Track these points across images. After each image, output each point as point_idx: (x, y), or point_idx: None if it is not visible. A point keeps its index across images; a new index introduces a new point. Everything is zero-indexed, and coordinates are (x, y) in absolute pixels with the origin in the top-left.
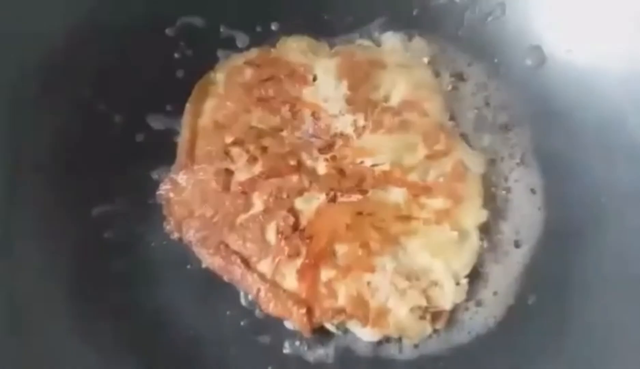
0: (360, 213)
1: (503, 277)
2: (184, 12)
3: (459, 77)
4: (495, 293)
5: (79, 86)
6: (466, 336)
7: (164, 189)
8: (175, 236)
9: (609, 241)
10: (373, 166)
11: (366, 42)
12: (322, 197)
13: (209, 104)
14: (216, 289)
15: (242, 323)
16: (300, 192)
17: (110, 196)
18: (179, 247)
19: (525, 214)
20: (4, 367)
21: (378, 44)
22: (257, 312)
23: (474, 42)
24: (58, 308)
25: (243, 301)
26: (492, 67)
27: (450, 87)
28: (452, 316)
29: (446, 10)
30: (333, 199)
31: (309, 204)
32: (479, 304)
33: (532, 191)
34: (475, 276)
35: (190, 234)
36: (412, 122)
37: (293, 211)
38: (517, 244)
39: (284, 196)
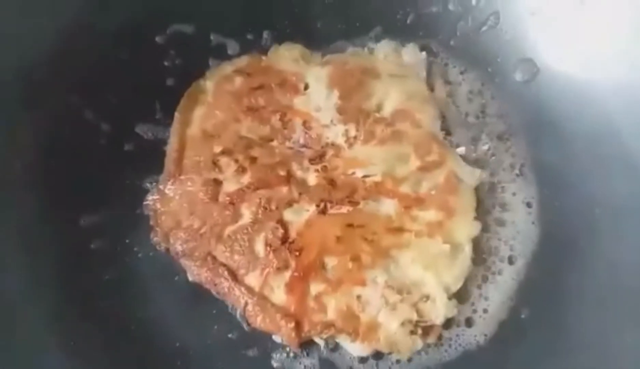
0: (351, 225)
1: (497, 294)
2: (175, 19)
3: (453, 85)
4: (485, 311)
5: (67, 94)
6: (454, 353)
7: (151, 199)
8: (162, 247)
9: (603, 253)
10: (364, 177)
11: (359, 50)
12: (312, 208)
13: (198, 113)
14: (204, 301)
15: (229, 336)
16: (290, 203)
17: (98, 206)
18: (167, 258)
19: (520, 229)
20: None
21: (371, 52)
22: (245, 325)
23: (468, 51)
24: (44, 317)
25: (231, 314)
26: (486, 76)
27: (444, 96)
28: (442, 333)
29: (440, 19)
30: (323, 211)
31: (299, 216)
32: (469, 323)
33: (528, 204)
34: (467, 293)
35: (177, 246)
36: (405, 133)
37: (282, 223)
38: (511, 261)
39: (273, 207)
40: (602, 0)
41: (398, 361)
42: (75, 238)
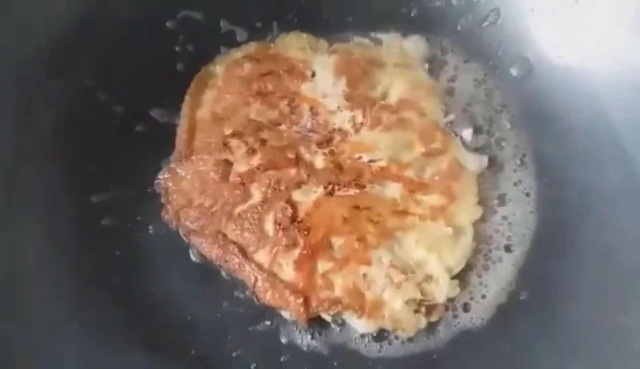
0: (357, 207)
1: (496, 281)
2: (185, 5)
3: (456, 77)
4: (484, 296)
5: (80, 76)
6: (453, 334)
7: (162, 178)
8: (173, 224)
9: (598, 238)
10: (370, 161)
11: (364, 41)
12: (320, 190)
13: (208, 96)
14: (213, 277)
15: (239, 310)
16: (298, 184)
17: (109, 184)
18: (177, 235)
19: (519, 219)
20: (4, 350)
21: (376, 42)
22: (254, 300)
23: (470, 45)
24: (58, 293)
25: (240, 289)
26: (487, 68)
27: (446, 87)
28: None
29: (443, 13)
30: (331, 193)
31: (307, 197)
32: (466, 308)
33: (527, 194)
34: (467, 279)
35: (188, 223)
36: (410, 121)
37: (291, 203)
38: (508, 249)
39: (282, 187)
40: None
41: (402, 342)
42: (87, 215)
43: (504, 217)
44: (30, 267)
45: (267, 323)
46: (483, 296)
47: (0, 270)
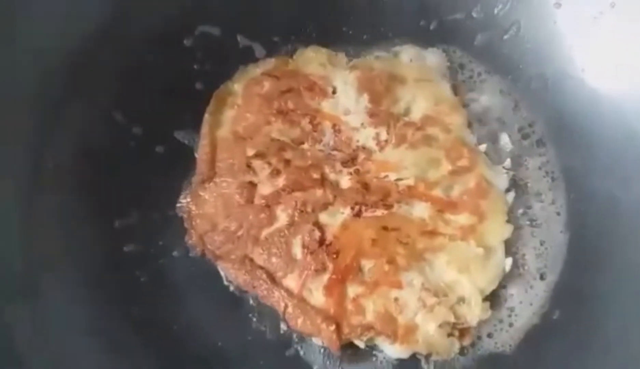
0: (385, 228)
1: (526, 303)
2: (202, 21)
3: (477, 91)
4: (514, 319)
5: (98, 97)
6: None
7: (185, 202)
8: (198, 250)
9: (629, 253)
10: (397, 180)
11: (383, 54)
12: (347, 211)
13: (228, 115)
14: (241, 302)
15: (267, 336)
16: (325, 206)
17: (130, 208)
18: (202, 260)
19: (549, 237)
20: None
21: (395, 55)
22: (284, 326)
23: (490, 58)
24: (84, 318)
25: (268, 314)
26: (508, 83)
27: (468, 101)
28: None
29: (464, 26)
30: (358, 214)
31: (334, 219)
32: (496, 330)
33: (557, 213)
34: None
35: (214, 248)
36: (435, 138)
37: (318, 225)
38: (542, 277)
39: (309, 209)
40: (619, 11)
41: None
42: (110, 241)
43: (533, 235)
44: (56, 296)
45: (298, 348)
46: (514, 318)
47: (20, 296)
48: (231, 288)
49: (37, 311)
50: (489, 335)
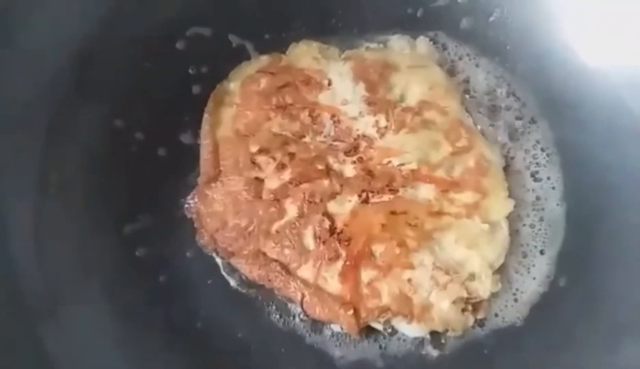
0: (393, 212)
1: (532, 275)
2: (193, 22)
3: (469, 73)
4: (522, 290)
5: (99, 106)
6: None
7: (192, 202)
8: (210, 248)
9: (627, 217)
10: (400, 165)
11: (373, 45)
12: (354, 199)
13: (227, 114)
14: (256, 295)
15: (287, 326)
16: (333, 195)
17: (138, 212)
18: (212, 258)
19: (548, 213)
20: None
21: (385, 45)
22: (302, 315)
23: (478, 41)
24: (108, 324)
25: (285, 304)
26: (497, 64)
27: (462, 85)
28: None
29: (449, 11)
30: (365, 201)
31: (343, 207)
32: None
33: (553, 187)
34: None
35: (226, 245)
36: (433, 121)
37: (328, 215)
38: (542, 252)
39: (317, 200)
40: None
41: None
42: (121, 247)
43: (533, 209)
44: (74, 308)
45: (318, 336)
46: (522, 289)
47: (47, 311)
48: (246, 283)
49: (62, 324)
50: (496, 314)
